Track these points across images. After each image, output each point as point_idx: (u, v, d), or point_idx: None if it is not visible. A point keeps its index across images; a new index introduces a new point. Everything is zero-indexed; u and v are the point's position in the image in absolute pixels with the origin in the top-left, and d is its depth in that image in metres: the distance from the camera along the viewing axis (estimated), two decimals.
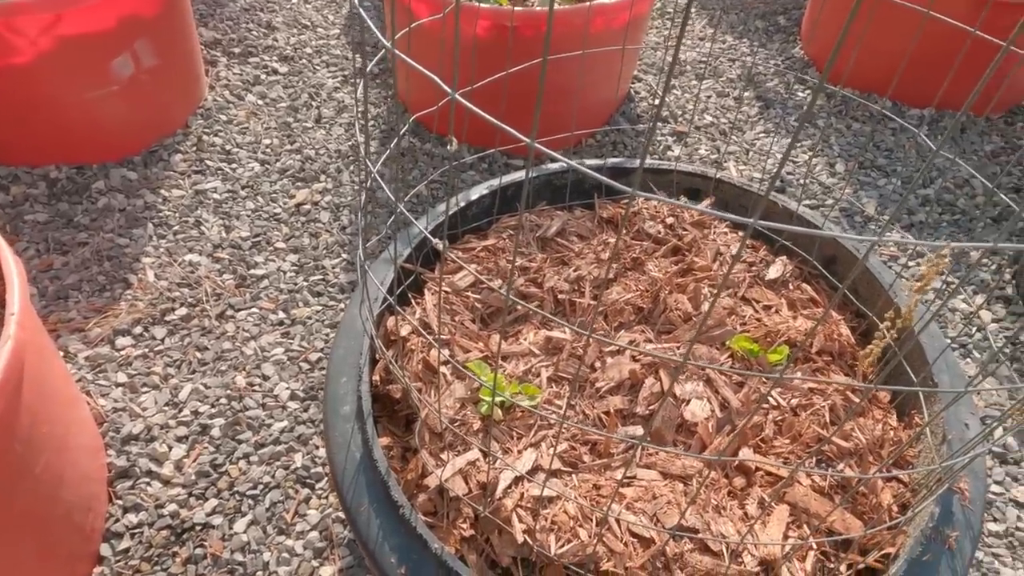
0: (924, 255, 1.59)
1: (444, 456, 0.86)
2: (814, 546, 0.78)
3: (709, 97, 2.07)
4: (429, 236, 0.72)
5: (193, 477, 1.16)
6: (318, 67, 2.08)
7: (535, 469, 0.83)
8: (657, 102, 1.97)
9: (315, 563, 1.08)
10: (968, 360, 1.37)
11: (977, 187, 1.76)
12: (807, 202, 1.74)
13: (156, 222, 1.58)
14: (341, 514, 1.13)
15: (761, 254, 1.14)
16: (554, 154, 0.45)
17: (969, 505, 0.82)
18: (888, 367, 0.62)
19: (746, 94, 2.07)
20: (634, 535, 0.77)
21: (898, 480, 0.88)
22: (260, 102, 1.93)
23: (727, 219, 0.41)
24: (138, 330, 1.38)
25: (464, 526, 0.81)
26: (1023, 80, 1.98)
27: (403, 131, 1.53)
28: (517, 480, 0.82)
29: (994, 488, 1.18)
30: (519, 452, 0.86)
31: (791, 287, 1.09)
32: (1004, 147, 1.90)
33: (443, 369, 0.93)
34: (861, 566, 0.79)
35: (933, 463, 0.86)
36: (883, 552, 0.80)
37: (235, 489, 1.16)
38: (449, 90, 0.45)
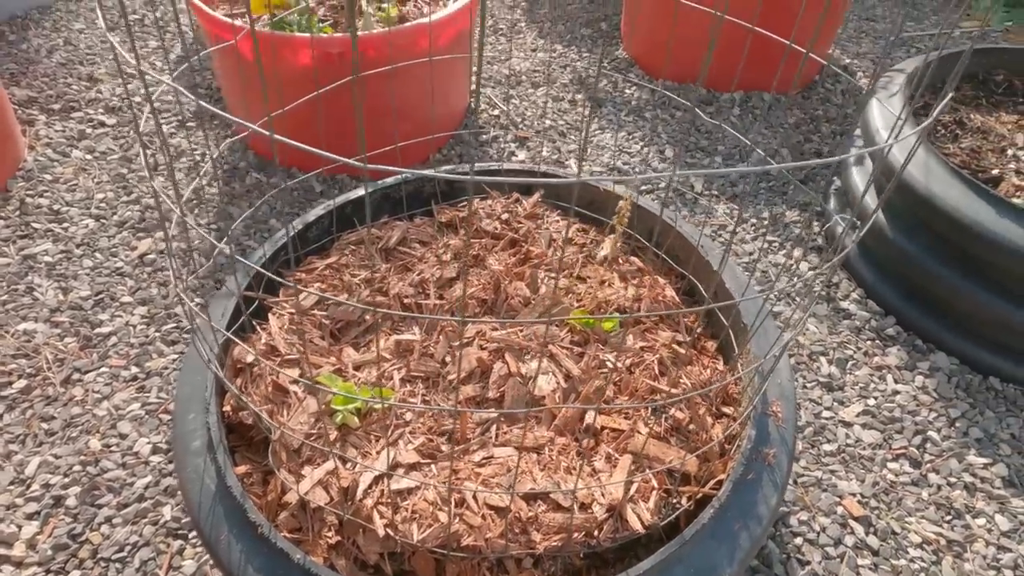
0: (748, 221, 1.76)
1: (304, 472, 0.86)
2: (655, 485, 0.85)
3: (546, 103, 2.18)
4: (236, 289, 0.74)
5: (50, 552, 1.09)
6: (150, 115, 2.01)
7: (394, 466, 0.86)
8: (496, 112, 2.06)
9: None
10: (792, 306, 1.53)
11: (786, 156, 1.97)
12: (644, 187, 1.87)
13: None
14: None
15: (592, 235, 1.23)
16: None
17: (783, 424, 0.92)
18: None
19: (579, 96, 2.21)
20: (491, 507, 0.81)
21: (727, 416, 0.98)
22: (88, 156, 1.84)
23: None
24: None
25: (329, 534, 0.82)
26: (811, 61, 2.23)
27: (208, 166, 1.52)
28: (377, 480, 0.84)
29: (825, 414, 1.32)
30: (377, 454, 0.88)
31: (621, 261, 1.18)
32: (804, 118, 2.14)
33: (293, 388, 0.94)
34: (700, 496, 0.87)
35: (751, 397, 0.95)
36: (717, 480, 0.88)
37: (99, 556, 1.10)
38: (196, 98, 0.47)
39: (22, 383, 1.33)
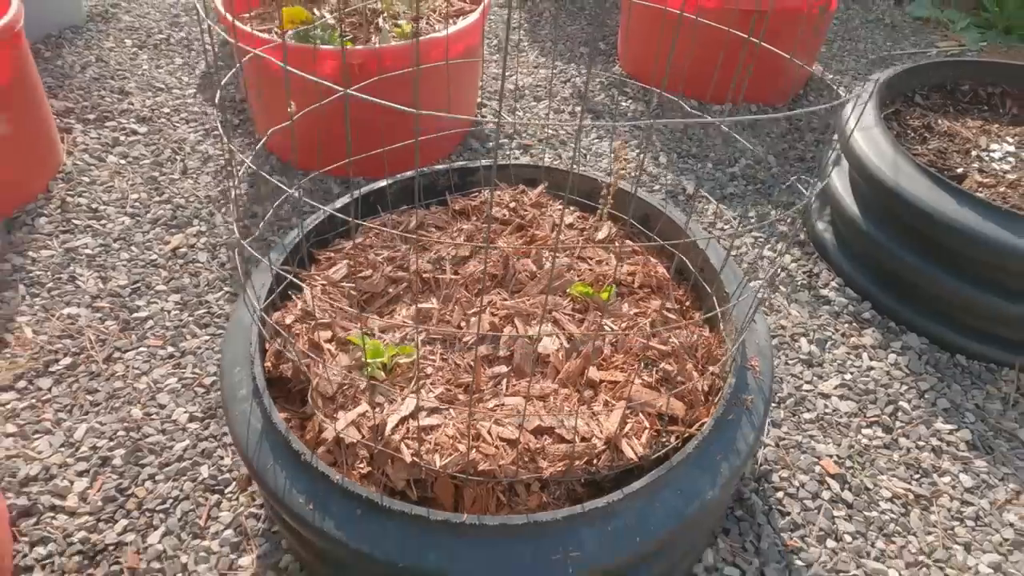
0: (736, 219, 1.89)
1: (337, 416, 0.98)
2: (647, 425, 0.97)
3: (548, 114, 2.33)
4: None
5: (100, 504, 1.20)
6: (178, 124, 2.15)
7: (417, 410, 0.97)
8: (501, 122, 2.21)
9: (233, 556, 1.15)
10: (776, 295, 1.65)
11: (773, 161, 2.12)
12: (641, 190, 2.01)
13: (27, 282, 1.60)
14: (253, 509, 1.21)
15: (591, 222, 1.36)
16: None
17: (760, 376, 1.04)
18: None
19: (578, 109, 2.36)
20: (503, 440, 0.93)
21: (712, 373, 1.10)
22: (122, 161, 1.98)
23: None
24: (21, 384, 1.39)
25: (362, 466, 0.93)
26: (797, 75, 2.39)
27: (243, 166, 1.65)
28: (403, 420, 0.96)
29: (805, 387, 1.44)
30: (402, 400, 1.00)
31: (617, 244, 1.31)
32: (789, 128, 2.28)
33: (328, 345, 1.06)
34: (687, 436, 0.99)
35: (734, 357, 1.07)
36: (702, 422, 1.00)
37: (144, 507, 1.21)
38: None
39: (68, 360, 1.45)
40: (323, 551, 0.93)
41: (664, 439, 0.98)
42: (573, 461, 0.91)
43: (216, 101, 0.76)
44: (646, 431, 0.97)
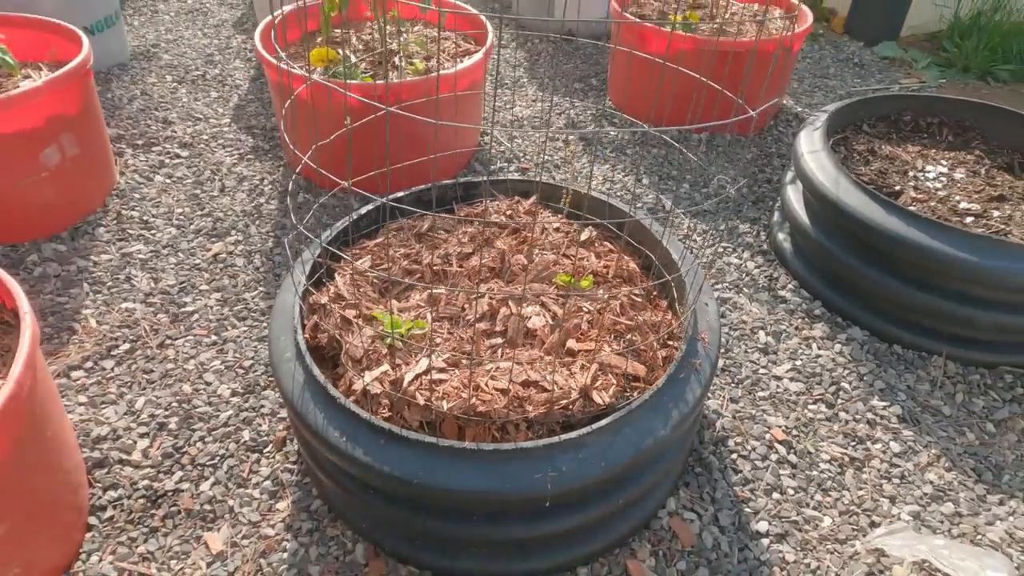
0: (708, 232, 2.14)
1: (363, 374, 1.21)
2: (614, 382, 1.20)
3: (544, 142, 2.60)
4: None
5: (159, 458, 1.43)
6: (216, 149, 2.43)
7: (429, 368, 1.21)
8: (503, 148, 2.48)
9: (271, 501, 1.37)
10: (740, 296, 1.89)
11: (742, 183, 2.37)
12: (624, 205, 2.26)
13: (90, 282, 1.85)
14: (288, 465, 1.43)
15: (575, 227, 1.61)
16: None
17: (708, 346, 1.28)
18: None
19: (571, 137, 2.63)
20: (498, 389, 1.16)
21: (670, 346, 1.33)
22: (168, 180, 2.25)
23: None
24: (88, 364, 1.63)
25: (384, 411, 1.17)
26: (767, 107, 2.66)
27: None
28: (417, 376, 1.19)
29: (761, 371, 1.66)
30: (416, 362, 1.23)
31: (597, 245, 1.56)
32: (760, 154, 2.54)
33: (356, 320, 1.30)
34: (646, 392, 1.21)
35: (686, 329, 1.30)
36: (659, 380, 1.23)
37: (197, 462, 1.43)
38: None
39: (127, 346, 1.69)
40: (351, 478, 1.15)
41: (628, 393, 1.20)
42: (553, 406, 1.14)
43: (284, 109, 1.01)
44: (613, 386, 1.20)
